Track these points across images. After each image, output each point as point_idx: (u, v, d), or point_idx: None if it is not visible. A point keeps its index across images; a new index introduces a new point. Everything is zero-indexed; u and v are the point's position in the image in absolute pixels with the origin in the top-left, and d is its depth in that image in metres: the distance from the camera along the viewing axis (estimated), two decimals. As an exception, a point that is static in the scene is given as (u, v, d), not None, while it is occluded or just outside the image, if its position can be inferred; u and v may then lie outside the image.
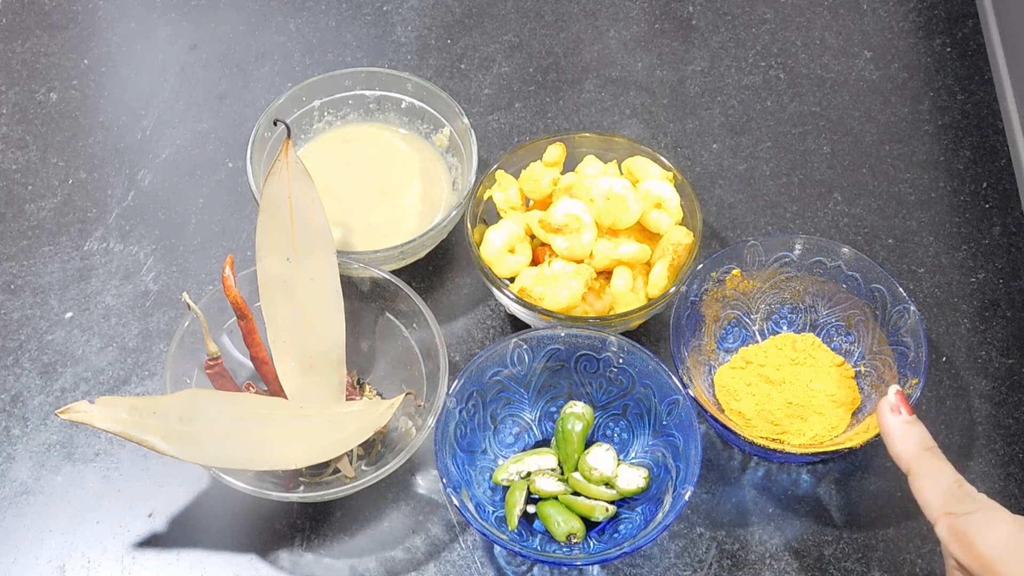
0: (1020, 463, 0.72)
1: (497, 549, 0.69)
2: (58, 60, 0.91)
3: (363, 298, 0.73)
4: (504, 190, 0.75)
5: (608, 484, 0.67)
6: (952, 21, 0.93)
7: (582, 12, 0.94)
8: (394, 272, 0.73)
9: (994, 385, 0.75)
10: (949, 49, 0.92)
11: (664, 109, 0.88)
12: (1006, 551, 0.55)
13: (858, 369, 0.72)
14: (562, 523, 0.66)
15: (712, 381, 0.72)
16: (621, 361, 0.69)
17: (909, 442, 0.61)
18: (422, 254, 0.78)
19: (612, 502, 0.67)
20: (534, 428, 0.71)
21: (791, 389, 0.71)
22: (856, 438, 0.67)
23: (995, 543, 0.55)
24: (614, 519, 0.67)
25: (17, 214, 0.82)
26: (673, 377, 0.67)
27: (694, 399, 0.66)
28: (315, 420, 0.66)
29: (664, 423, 0.68)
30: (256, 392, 0.70)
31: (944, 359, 0.76)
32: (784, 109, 0.88)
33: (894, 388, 0.62)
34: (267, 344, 0.69)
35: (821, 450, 0.67)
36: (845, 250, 0.73)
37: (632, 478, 0.67)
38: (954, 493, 0.58)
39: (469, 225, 0.74)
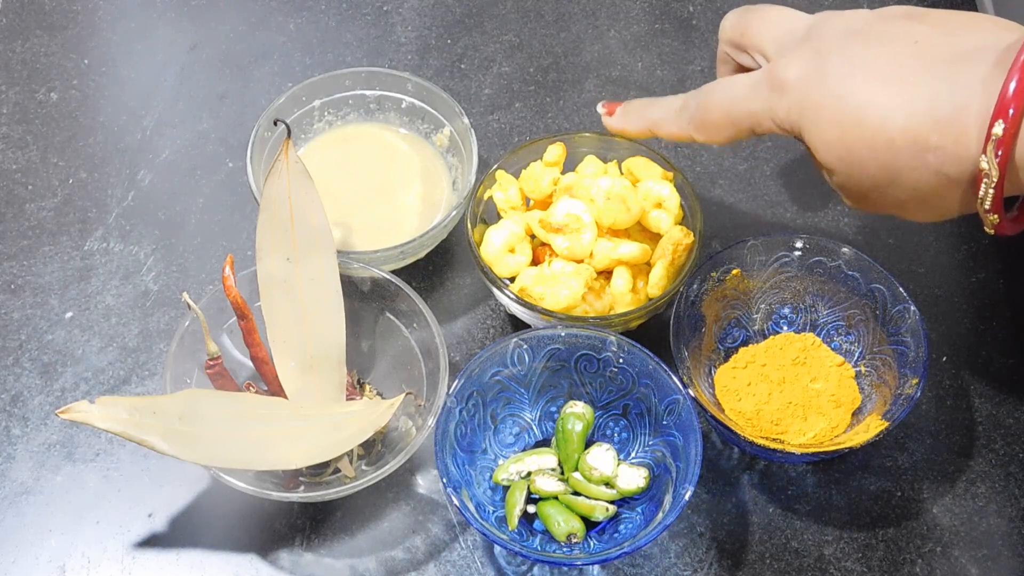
0: (1020, 463, 0.72)
1: (497, 549, 0.69)
2: (58, 60, 0.91)
3: (363, 298, 0.73)
4: (504, 190, 0.75)
5: (608, 484, 0.67)
6: (952, 21, 0.93)
7: (582, 12, 0.94)
8: (394, 272, 0.73)
9: (994, 385, 0.75)
10: (949, 49, 0.91)
11: (664, 109, 0.88)
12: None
13: (858, 369, 0.72)
14: (562, 523, 0.66)
15: (712, 381, 0.72)
16: (621, 361, 0.69)
17: (634, 117, 0.70)
18: (422, 254, 0.78)
19: (612, 502, 0.67)
20: (534, 428, 0.71)
21: (791, 389, 0.71)
22: (856, 438, 0.67)
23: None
24: (614, 519, 0.67)
25: (17, 214, 0.82)
26: (673, 377, 0.67)
27: (694, 399, 0.66)
28: (315, 420, 0.66)
29: (664, 423, 0.68)
30: (256, 392, 0.70)
31: (944, 359, 0.76)
32: (784, 109, 0.88)
33: (598, 106, 0.72)
34: (267, 344, 0.69)
35: (821, 450, 0.67)
36: (845, 250, 0.73)
37: (632, 478, 0.67)
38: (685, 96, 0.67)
39: (469, 225, 0.74)
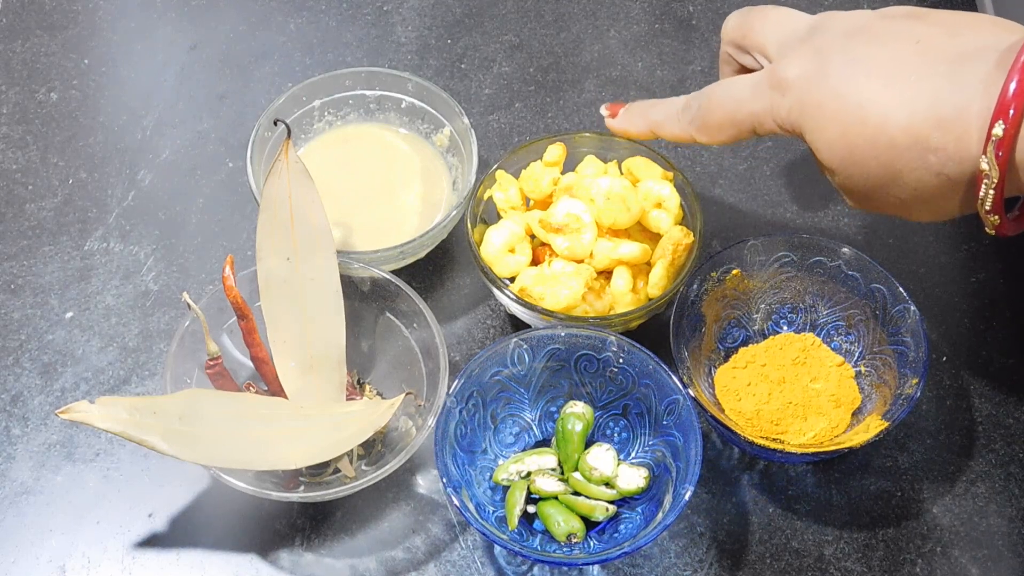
0: (1020, 463, 0.72)
1: (497, 549, 0.69)
2: (58, 60, 0.91)
3: (363, 298, 0.73)
4: (504, 190, 0.75)
5: (608, 484, 0.67)
6: (952, 21, 0.93)
7: (582, 12, 0.94)
8: (394, 272, 0.73)
9: (994, 385, 0.75)
10: (949, 49, 0.91)
11: (664, 109, 0.88)
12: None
13: (858, 369, 0.72)
14: (562, 523, 0.66)
15: (712, 381, 0.72)
16: (621, 361, 0.69)
17: (636, 118, 0.70)
18: (422, 254, 0.78)
19: (612, 502, 0.67)
20: (534, 428, 0.71)
21: (791, 389, 0.71)
22: (856, 438, 0.67)
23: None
24: (614, 519, 0.67)
25: (17, 214, 0.82)
26: (673, 377, 0.67)
27: (694, 399, 0.66)
28: (315, 420, 0.66)
29: (664, 423, 0.68)
30: (256, 392, 0.70)
31: (944, 359, 0.76)
32: (784, 109, 0.88)
33: (601, 108, 0.73)
34: (267, 344, 0.69)
35: (821, 450, 0.67)
36: (845, 250, 0.73)
37: (632, 478, 0.67)
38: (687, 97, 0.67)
39: (469, 225, 0.74)
